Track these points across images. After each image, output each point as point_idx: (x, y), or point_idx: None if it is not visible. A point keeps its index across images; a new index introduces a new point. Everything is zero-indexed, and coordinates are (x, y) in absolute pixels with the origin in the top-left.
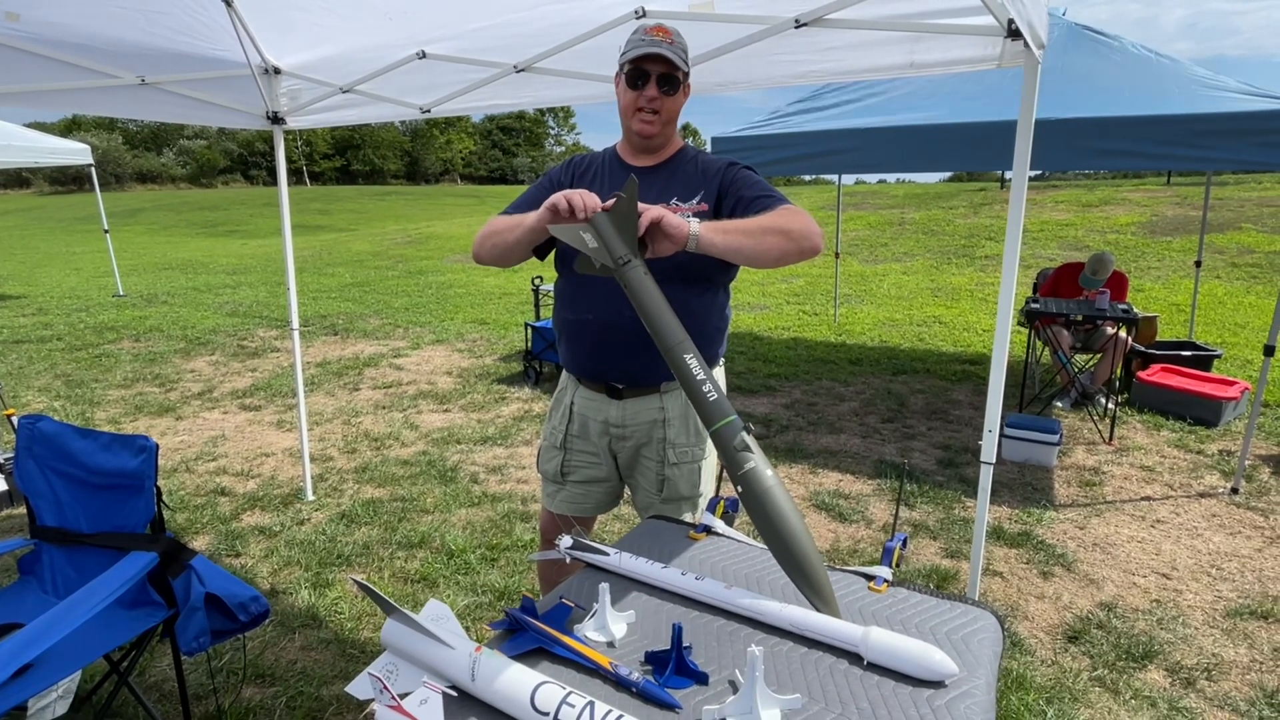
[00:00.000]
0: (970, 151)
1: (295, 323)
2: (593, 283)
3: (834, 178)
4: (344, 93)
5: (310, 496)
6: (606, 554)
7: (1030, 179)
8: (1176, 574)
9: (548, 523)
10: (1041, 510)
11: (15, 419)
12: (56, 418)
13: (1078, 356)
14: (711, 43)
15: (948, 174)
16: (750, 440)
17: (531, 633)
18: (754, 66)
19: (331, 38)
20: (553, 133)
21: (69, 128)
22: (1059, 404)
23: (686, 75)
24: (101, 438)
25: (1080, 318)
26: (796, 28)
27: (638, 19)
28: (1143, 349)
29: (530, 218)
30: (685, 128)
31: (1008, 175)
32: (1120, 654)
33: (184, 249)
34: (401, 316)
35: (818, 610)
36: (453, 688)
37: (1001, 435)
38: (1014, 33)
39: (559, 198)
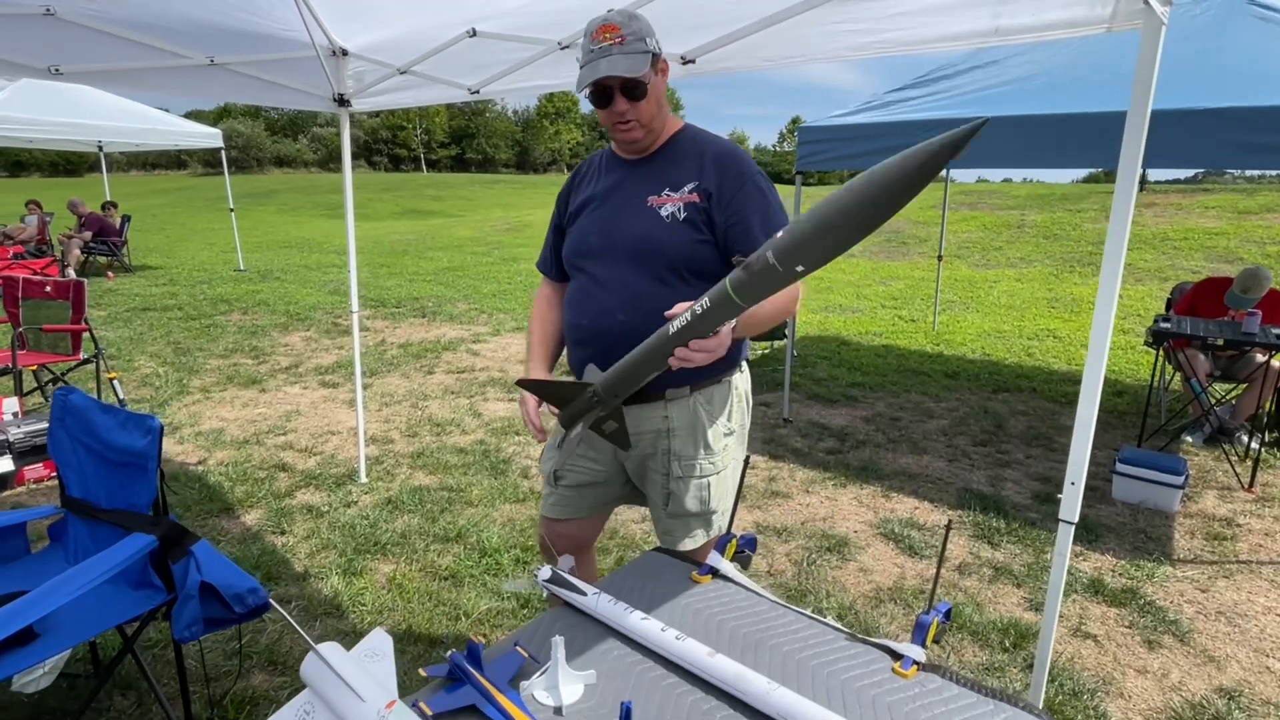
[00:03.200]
0: (1096, 146)
1: (355, 305)
2: (590, 288)
3: (950, 174)
4: (401, 74)
5: (363, 479)
6: (584, 594)
7: (1179, 180)
8: None
9: (543, 529)
10: (1155, 564)
11: (117, 383)
12: (158, 383)
13: (1218, 386)
14: (759, 11)
15: (1082, 174)
16: None
17: (470, 685)
18: (806, 39)
19: (390, 19)
20: None
21: (220, 115)
22: (1189, 438)
23: (655, 60)
24: (119, 414)
25: (1221, 341)
26: None
27: None
28: None
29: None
30: (794, 121)
31: (1151, 175)
32: None
33: (306, 229)
34: (488, 303)
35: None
36: None
37: (1114, 471)
38: None
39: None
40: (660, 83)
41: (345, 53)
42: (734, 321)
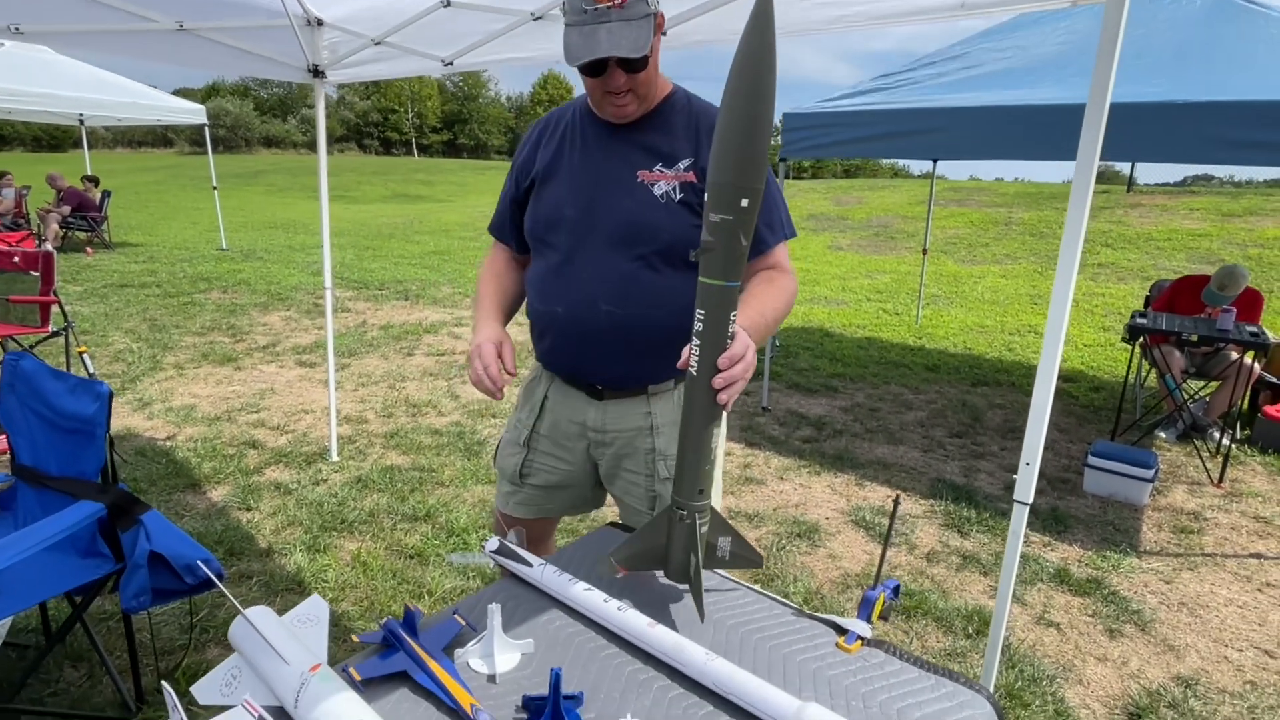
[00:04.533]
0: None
1: (329, 281)
2: (566, 271)
3: (941, 171)
4: (375, 45)
5: (334, 457)
6: (529, 564)
7: (1168, 184)
8: None
9: (500, 524)
10: (1121, 555)
11: (87, 357)
12: (131, 358)
13: (1192, 383)
14: None
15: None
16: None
17: (403, 652)
18: (781, 12)
19: None
20: None
21: (209, 94)
22: (1162, 434)
23: (654, 20)
24: (69, 380)
25: (1195, 338)
26: None
27: None
28: (1275, 380)
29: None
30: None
31: (1138, 177)
32: None
33: (292, 210)
34: (473, 287)
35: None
36: (280, 709)
37: (1085, 464)
38: None
39: (478, 381)
40: (658, 43)
41: (320, 22)
42: (735, 321)
